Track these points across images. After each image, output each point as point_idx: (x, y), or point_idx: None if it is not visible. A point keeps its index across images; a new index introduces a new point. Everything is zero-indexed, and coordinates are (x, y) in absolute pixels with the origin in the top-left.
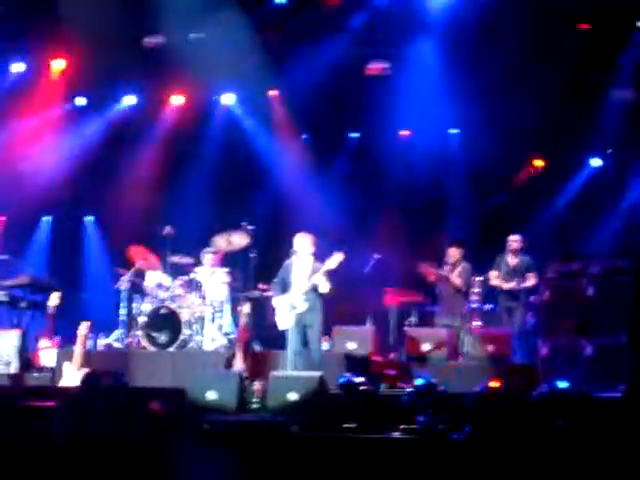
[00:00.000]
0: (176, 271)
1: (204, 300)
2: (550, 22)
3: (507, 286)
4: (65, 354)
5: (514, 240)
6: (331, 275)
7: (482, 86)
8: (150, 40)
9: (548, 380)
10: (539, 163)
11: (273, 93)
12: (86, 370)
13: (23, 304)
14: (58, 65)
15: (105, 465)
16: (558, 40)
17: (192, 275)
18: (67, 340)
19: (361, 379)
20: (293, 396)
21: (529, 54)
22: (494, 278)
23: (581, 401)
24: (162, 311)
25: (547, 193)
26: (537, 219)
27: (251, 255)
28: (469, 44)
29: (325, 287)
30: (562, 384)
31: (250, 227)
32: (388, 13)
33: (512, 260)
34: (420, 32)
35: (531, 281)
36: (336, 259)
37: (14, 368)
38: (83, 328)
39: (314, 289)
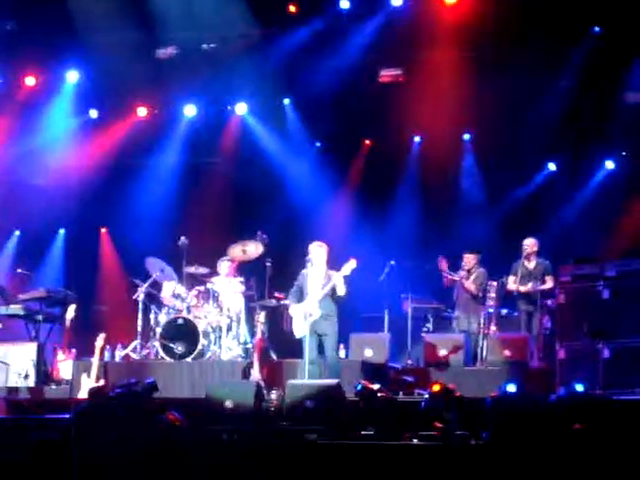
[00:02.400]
0: (192, 281)
1: (220, 310)
2: (564, 26)
3: (524, 289)
4: (82, 366)
5: (529, 244)
6: (346, 283)
7: (495, 90)
8: (163, 51)
9: (565, 384)
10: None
11: (286, 101)
12: (102, 382)
13: (39, 317)
14: (71, 78)
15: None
16: (571, 43)
17: (208, 285)
18: (84, 352)
19: (378, 386)
20: (310, 404)
21: (542, 58)
22: (512, 283)
23: (599, 404)
24: (179, 321)
25: (561, 195)
26: (552, 222)
27: (266, 264)
28: (482, 48)
29: (342, 289)
30: (579, 387)
31: (264, 236)
32: (401, 19)
33: (528, 264)
34: (433, 37)
35: (548, 284)
36: (350, 266)
37: (32, 381)
38: (100, 340)
39: (329, 297)
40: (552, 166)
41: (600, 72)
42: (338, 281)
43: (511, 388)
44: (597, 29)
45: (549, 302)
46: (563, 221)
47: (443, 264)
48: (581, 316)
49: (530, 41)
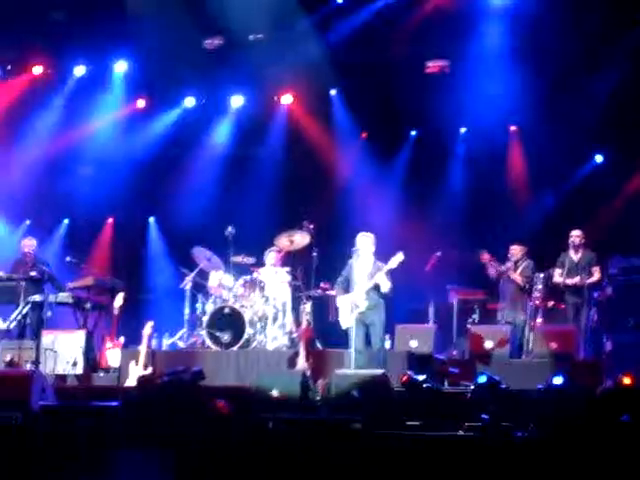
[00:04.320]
0: (239, 271)
1: (267, 299)
2: (614, 15)
3: (571, 281)
4: (130, 354)
5: (576, 235)
6: (392, 274)
7: (543, 81)
8: (210, 42)
9: (612, 376)
10: None
11: (333, 92)
12: (150, 370)
13: (88, 305)
14: (119, 68)
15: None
16: (621, 33)
17: (255, 275)
18: (132, 340)
19: (424, 377)
20: (356, 394)
21: (590, 48)
22: (558, 276)
23: None
24: (225, 311)
25: (609, 187)
26: (599, 215)
27: (313, 254)
28: (529, 39)
29: (386, 286)
30: (626, 380)
31: (311, 226)
32: (448, 9)
33: (575, 255)
34: (480, 28)
35: (595, 276)
36: (397, 259)
37: (80, 368)
38: (147, 328)
39: (376, 288)
40: (599, 158)
41: None
42: (381, 278)
43: (558, 380)
44: None
45: (596, 294)
46: (611, 213)
47: (485, 256)
48: (629, 309)
49: (578, 31)
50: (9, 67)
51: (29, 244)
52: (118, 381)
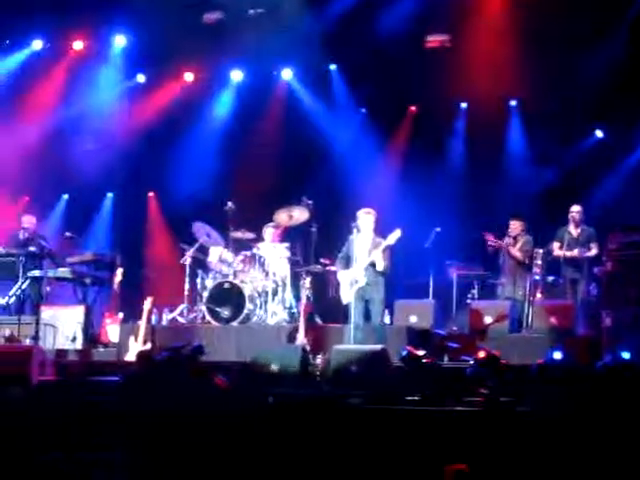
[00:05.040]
0: (238, 246)
1: (266, 275)
2: None
3: (570, 254)
4: (129, 329)
5: (577, 211)
6: (391, 250)
7: (543, 55)
8: (209, 16)
9: (612, 351)
10: None
11: (332, 67)
12: (149, 345)
13: (87, 280)
14: (119, 42)
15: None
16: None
17: (254, 250)
18: (132, 315)
19: (423, 352)
20: (355, 369)
21: (591, 22)
22: (557, 249)
23: None
24: (225, 286)
25: (608, 163)
26: (599, 190)
27: (312, 229)
28: (530, 12)
29: (381, 265)
30: (626, 355)
31: (309, 202)
32: None
33: (574, 231)
34: (481, 2)
35: (593, 251)
36: (394, 236)
37: (79, 344)
38: (147, 303)
39: (374, 264)
40: (599, 133)
41: None
42: (377, 256)
43: (557, 355)
44: None
45: (595, 270)
46: (610, 188)
47: (488, 236)
48: (628, 284)
49: (578, 4)
50: (7, 42)
51: (28, 221)
52: (118, 356)
